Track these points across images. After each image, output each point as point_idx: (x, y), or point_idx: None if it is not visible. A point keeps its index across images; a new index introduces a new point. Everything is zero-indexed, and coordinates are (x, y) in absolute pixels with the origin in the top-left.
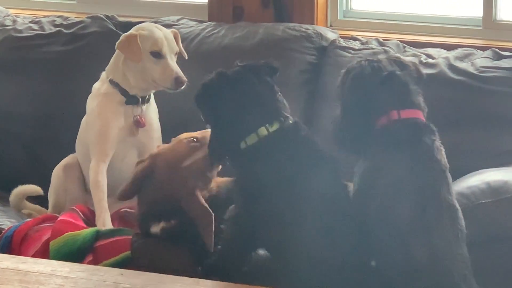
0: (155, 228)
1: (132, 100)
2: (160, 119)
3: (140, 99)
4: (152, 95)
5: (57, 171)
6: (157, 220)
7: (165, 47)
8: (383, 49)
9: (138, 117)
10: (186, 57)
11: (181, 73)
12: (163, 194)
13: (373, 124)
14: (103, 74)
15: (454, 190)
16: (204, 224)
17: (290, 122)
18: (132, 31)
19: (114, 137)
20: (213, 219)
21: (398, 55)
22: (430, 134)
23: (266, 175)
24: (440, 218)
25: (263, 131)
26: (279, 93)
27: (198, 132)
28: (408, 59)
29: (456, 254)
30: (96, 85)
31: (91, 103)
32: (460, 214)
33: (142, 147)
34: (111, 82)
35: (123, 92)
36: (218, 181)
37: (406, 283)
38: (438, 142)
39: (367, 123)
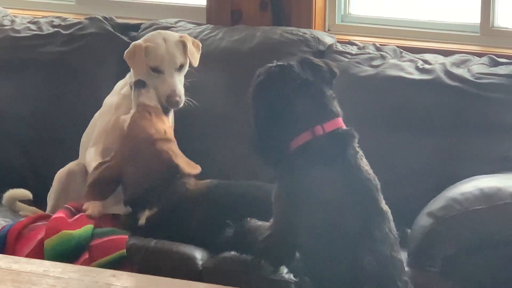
0: (142, 220)
1: None
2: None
3: None
4: None
5: (60, 175)
6: (141, 208)
7: (164, 63)
8: (380, 54)
9: None
10: (195, 65)
11: (175, 93)
12: (142, 173)
13: (293, 139)
14: (128, 74)
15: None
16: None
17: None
18: (141, 41)
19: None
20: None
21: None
22: (352, 142)
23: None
24: (381, 225)
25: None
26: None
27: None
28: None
29: (397, 260)
30: (120, 83)
31: (110, 98)
32: (390, 216)
33: None
34: (131, 87)
35: None
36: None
37: None
38: (358, 149)
39: (284, 136)
